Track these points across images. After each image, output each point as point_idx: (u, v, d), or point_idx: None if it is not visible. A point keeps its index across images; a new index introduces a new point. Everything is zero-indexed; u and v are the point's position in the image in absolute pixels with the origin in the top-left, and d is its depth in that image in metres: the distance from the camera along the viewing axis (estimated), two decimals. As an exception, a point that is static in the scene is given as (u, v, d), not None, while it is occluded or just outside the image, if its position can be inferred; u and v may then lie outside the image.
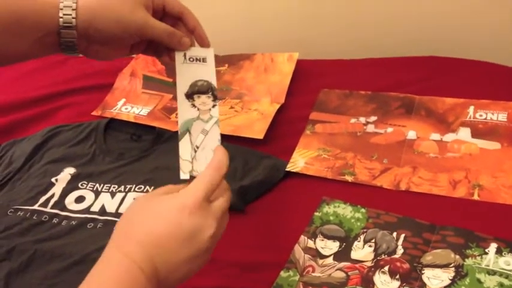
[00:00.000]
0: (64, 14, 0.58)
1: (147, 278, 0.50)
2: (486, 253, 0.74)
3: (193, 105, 0.60)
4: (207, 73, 0.61)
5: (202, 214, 0.53)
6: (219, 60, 1.19)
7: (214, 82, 0.61)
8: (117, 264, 0.51)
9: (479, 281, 0.71)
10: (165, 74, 1.18)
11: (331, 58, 1.19)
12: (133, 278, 0.49)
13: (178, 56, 0.62)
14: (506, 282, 0.70)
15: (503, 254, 0.73)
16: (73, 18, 0.58)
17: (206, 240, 0.53)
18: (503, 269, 0.72)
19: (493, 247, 0.74)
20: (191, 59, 0.62)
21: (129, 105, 1.11)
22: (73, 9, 0.58)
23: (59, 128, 1.04)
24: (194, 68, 0.61)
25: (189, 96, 0.60)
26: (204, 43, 0.65)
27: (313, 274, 0.75)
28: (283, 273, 0.75)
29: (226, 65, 1.18)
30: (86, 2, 0.59)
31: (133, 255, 0.51)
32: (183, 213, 0.52)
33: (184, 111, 0.60)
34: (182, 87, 0.60)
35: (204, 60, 0.62)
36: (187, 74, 0.61)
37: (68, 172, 0.94)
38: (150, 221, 0.52)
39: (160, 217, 0.52)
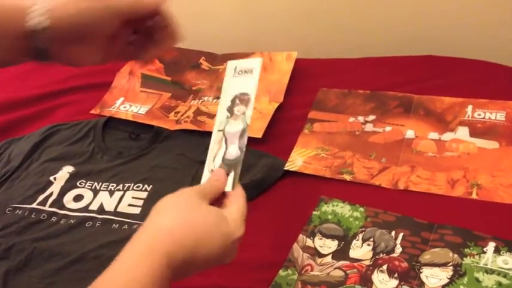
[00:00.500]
0: (34, 16, 0.57)
1: (168, 268, 0.50)
2: (484, 252, 0.74)
3: (231, 113, 0.61)
4: (251, 86, 0.60)
5: (237, 231, 0.56)
6: (218, 59, 1.19)
7: (253, 96, 0.60)
8: (145, 253, 0.51)
9: (477, 280, 0.71)
10: (164, 73, 1.18)
11: (329, 57, 1.19)
12: (156, 264, 0.50)
13: (229, 70, 0.62)
14: (504, 281, 0.70)
15: (501, 253, 0.73)
16: (42, 18, 0.57)
17: (231, 248, 0.56)
18: (501, 268, 0.72)
19: (491, 246, 0.74)
20: (240, 72, 0.61)
21: (128, 103, 1.11)
22: (42, 11, 0.57)
23: (57, 127, 1.04)
24: (240, 80, 0.61)
25: (229, 109, 0.61)
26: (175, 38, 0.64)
27: (311, 273, 0.75)
28: (281, 272, 0.75)
29: (225, 64, 1.18)
30: (54, 2, 0.59)
31: (167, 252, 0.51)
32: (226, 239, 0.55)
33: (222, 117, 0.61)
34: (225, 102, 0.61)
35: (251, 71, 0.61)
36: (232, 87, 0.61)
37: (67, 170, 0.94)
38: (195, 230, 0.53)
39: (205, 236, 0.54)
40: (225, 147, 0.60)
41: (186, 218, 0.53)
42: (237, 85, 0.61)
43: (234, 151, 0.59)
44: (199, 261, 0.53)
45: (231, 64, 0.63)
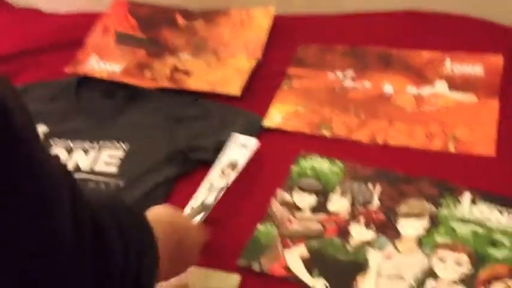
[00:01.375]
0: None
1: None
2: (460, 202, 0.74)
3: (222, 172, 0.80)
4: (243, 158, 0.80)
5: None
6: (195, 16, 1.16)
7: (241, 165, 0.79)
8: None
9: (453, 229, 0.72)
10: (138, 30, 1.15)
11: (308, 11, 1.17)
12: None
13: (234, 141, 0.83)
14: (480, 230, 0.71)
15: (477, 203, 0.74)
16: None
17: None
18: (477, 218, 0.73)
19: (467, 197, 0.75)
20: (239, 145, 0.83)
21: (102, 62, 1.08)
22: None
23: (30, 86, 1.01)
24: (238, 150, 0.82)
25: (222, 170, 0.80)
26: None
27: (290, 227, 0.76)
28: (260, 227, 0.76)
29: (202, 21, 1.15)
30: None
31: (165, 233, 0.59)
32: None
33: (216, 175, 0.80)
34: (221, 163, 0.81)
35: (246, 146, 0.82)
36: (230, 154, 0.81)
37: (40, 130, 0.91)
38: None
39: (188, 231, 0.67)
40: (207, 194, 0.77)
41: (176, 216, 0.66)
42: (233, 153, 0.82)
43: (212, 199, 0.75)
44: (185, 251, 0.64)
45: (235, 137, 0.84)
